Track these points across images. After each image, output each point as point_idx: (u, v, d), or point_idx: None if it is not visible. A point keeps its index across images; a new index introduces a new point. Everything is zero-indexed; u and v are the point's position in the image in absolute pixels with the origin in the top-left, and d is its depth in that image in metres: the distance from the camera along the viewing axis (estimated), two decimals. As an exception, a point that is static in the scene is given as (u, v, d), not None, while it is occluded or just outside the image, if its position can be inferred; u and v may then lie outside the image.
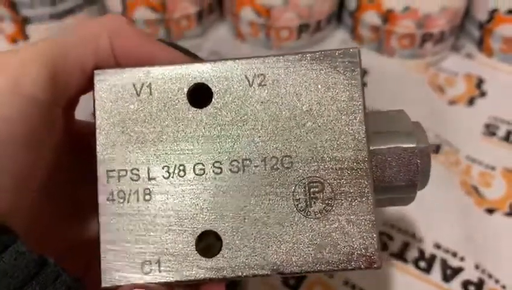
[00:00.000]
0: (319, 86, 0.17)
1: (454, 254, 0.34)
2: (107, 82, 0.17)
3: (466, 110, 0.46)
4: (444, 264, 0.33)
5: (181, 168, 0.17)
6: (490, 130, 0.43)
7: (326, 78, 0.17)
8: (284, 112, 0.17)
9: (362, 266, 0.17)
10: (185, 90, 0.17)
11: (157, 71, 0.17)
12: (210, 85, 0.17)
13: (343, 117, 0.17)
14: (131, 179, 0.17)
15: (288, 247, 0.17)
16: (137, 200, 0.17)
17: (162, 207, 0.17)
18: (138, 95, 0.17)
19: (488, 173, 0.40)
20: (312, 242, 0.17)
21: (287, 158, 0.17)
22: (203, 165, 0.17)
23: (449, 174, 0.39)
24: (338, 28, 0.54)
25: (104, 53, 0.17)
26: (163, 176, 0.17)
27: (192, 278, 0.16)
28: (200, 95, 0.17)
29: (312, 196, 0.17)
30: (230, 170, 0.17)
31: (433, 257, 0.34)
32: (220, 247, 0.17)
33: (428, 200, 0.37)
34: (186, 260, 0.16)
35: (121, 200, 0.17)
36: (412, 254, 0.34)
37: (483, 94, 0.47)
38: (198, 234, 0.16)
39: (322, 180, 0.17)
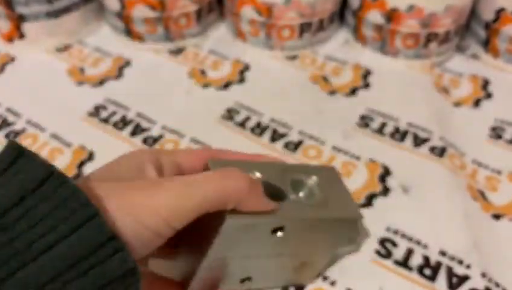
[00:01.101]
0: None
1: (460, 262, 0.33)
2: (230, 225, 0.24)
3: (471, 112, 0.45)
4: (450, 272, 0.32)
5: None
6: (496, 133, 0.42)
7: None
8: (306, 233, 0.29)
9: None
10: (271, 228, 0.26)
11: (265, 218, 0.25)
12: (284, 224, 0.26)
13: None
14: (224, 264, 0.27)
15: (279, 276, 0.31)
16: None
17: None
18: (243, 231, 0.25)
19: (495, 177, 0.39)
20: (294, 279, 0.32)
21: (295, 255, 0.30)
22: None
23: (455, 178, 0.38)
24: (341, 27, 0.53)
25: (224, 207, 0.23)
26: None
27: None
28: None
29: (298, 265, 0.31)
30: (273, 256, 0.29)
31: (438, 265, 0.33)
32: (249, 279, 0.30)
33: (433, 205, 0.36)
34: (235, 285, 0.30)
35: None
36: (417, 261, 0.33)
37: (489, 96, 0.46)
38: (243, 277, 0.29)
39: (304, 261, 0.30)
